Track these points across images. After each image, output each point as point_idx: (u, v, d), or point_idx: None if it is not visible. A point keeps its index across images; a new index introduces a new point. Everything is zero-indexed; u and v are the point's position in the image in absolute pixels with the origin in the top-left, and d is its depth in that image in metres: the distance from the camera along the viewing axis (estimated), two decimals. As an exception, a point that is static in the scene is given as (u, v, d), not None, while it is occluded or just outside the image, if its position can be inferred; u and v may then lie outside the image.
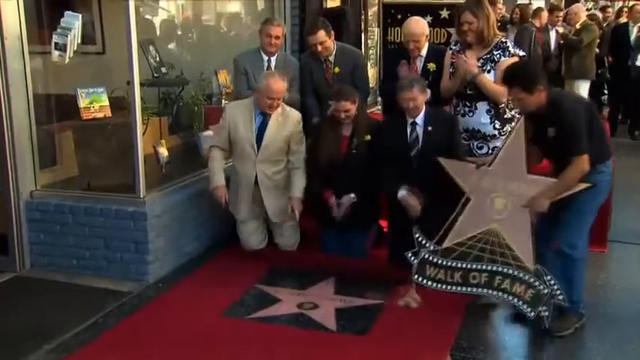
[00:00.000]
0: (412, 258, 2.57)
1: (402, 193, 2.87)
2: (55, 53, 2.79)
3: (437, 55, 3.06)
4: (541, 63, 4.61)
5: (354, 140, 3.00)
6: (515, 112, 2.84)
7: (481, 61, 2.82)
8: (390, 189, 2.90)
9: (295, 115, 3.10)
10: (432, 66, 3.06)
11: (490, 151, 2.90)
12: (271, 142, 3.05)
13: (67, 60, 2.84)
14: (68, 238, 3.09)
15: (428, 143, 2.84)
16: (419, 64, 3.08)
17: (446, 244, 2.52)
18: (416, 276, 2.57)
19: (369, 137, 3.01)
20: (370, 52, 4.54)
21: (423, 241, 2.55)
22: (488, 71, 2.82)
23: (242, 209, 3.16)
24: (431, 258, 2.57)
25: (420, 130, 2.85)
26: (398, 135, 2.87)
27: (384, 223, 3.29)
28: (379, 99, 3.99)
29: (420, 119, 2.83)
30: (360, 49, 4.11)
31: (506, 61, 2.75)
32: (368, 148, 3.00)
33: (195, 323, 2.63)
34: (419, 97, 2.78)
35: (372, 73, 3.40)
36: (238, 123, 3.03)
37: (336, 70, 3.25)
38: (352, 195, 3.07)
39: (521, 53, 2.84)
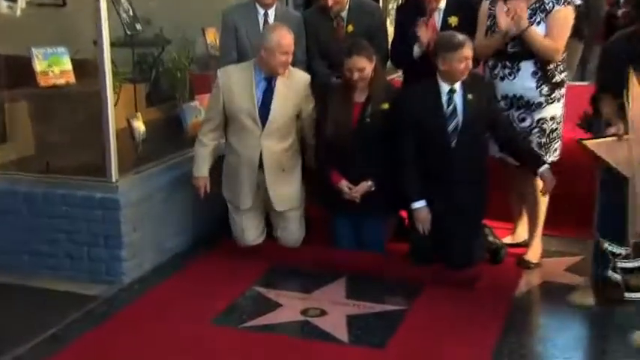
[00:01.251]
0: (612, 274, 2.37)
1: (421, 205, 2.86)
2: (3, 4, 2.69)
3: (460, 6, 2.96)
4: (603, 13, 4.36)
5: (368, 108, 2.95)
6: (565, 76, 2.81)
7: (529, 11, 2.72)
8: (410, 193, 2.88)
9: (303, 76, 3.04)
10: (453, 20, 2.94)
11: (534, 125, 2.84)
12: (280, 112, 2.98)
13: (18, 12, 2.73)
14: (22, 231, 3.03)
15: (469, 115, 2.76)
16: (437, 18, 2.97)
17: (631, 241, 2.37)
18: (626, 293, 2.38)
19: (387, 106, 2.94)
20: (390, 6, 4.52)
21: (614, 250, 2.37)
22: (538, 23, 2.72)
23: (245, 197, 3.12)
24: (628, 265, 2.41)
25: (459, 99, 2.76)
26: (430, 106, 2.78)
27: (404, 214, 3.28)
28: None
29: (458, 85, 2.76)
30: (378, 2, 4.06)
31: (561, 11, 2.67)
32: (386, 120, 2.95)
33: (179, 334, 2.61)
34: (470, 55, 2.68)
35: (392, 31, 3.22)
36: (235, 92, 2.96)
37: (349, 28, 3.16)
38: (369, 182, 3.05)
39: (578, 1, 2.78)
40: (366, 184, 3.06)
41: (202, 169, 3.12)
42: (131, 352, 2.50)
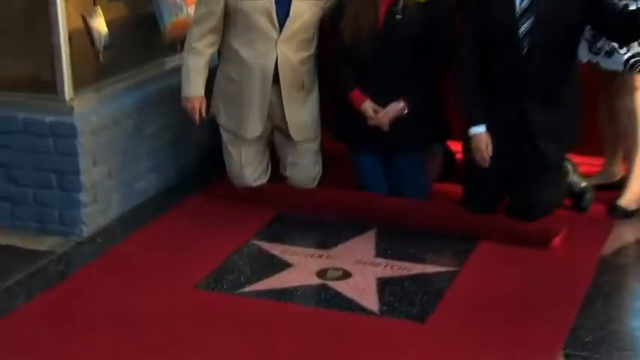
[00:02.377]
0: None
1: (480, 130, 2.84)
2: None
3: None
4: None
5: (400, 1, 2.94)
6: None
7: None
8: (469, 115, 2.87)
9: None
10: None
11: None
12: (303, 8, 3.01)
13: None
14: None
15: (549, 13, 2.76)
16: None
17: None
18: None
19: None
20: None
21: None
22: None
23: (253, 123, 3.14)
24: None
25: None
26: (495, 1, 2.81)
27: (455, 146, 3.24)
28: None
29: None
30: None
31: None
32: (424, 16, 2.95)
33: (152, 303, 2.61)
34: None
35: None
36: None
37: None
38: (401, 104, 3.03)
39: None
40: (397, 106, 3.03)
41: (197, 87, 3.11)
42: (88, 325, 2.50)
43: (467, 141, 2.95)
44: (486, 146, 2.87)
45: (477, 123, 2.88)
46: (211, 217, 3.15)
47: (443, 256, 2.88)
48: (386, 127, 3.04)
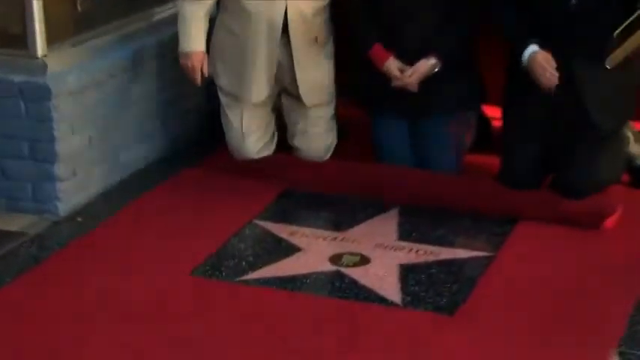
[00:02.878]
0: None
1: (534, 49, 2.80)
2: None
3: None
4: None
5: None
6: None
7: None
8: (516, 39, 2.84)
9: None
10: None
11: None
12: None
13: None
14: None
15: None
16: None
17: None
18: None
19: None
20: None
21: None
22: None
23: (258, 84, 3.14)
24: None
25: None
26: None
27: (492, 111, 3.28)
28: None
29: None
30: None
31: None
32: None
33: (141, 292, 2.61)
34: None
35: None
36: None
37: None
38: (432, 60, 3.03)
39: None
40: (428, 63, 3.03)
41: (197, 40, 3.08)
42: (65, 317, 2.49)
43: (507, 101, 2.91)
44: (548, 62, 2.83)
45: (527, 44, 2.84)
46: (208, 193, 3.16)
47: (476, 239, 2.88)
48: (414, 88, 3.05)
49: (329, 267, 2.73)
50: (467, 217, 2.98)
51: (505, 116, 3.05)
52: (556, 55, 2.84)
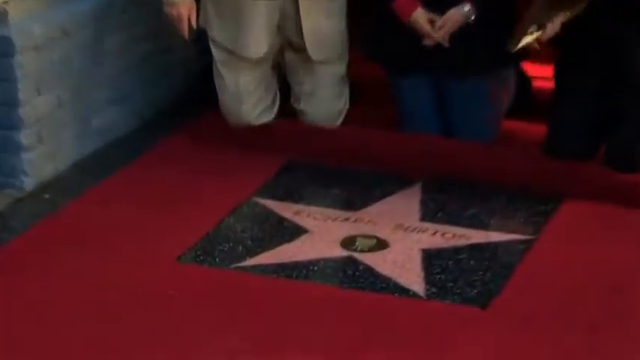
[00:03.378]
0: None
1: None
2: None
3: None
4: None
5: None
6: None
7: None
8: None
9: None
10: None
11: None
12: None
13: None
14: None
15: None
16: None
17: None
18: None
19: None
20: None
21: None
22: None
23: (257, 36, 3.14)
24: None
25: None
26: None
27: (533, 69, 3.31)
28: None
29: None
30: None
31: None
32: None
33: (121, 277, 2.61)
34: None
35: None
36: None
37: None
38: (466, 8, 3.04)
39: None
40: (461, 12, 3.03)
41: None
42: (30, 309, 2.49)
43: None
44: None
45: None
46: (198, 166, 3.17)
47: (514, 220, 2.89)
48: (445, 42, 3.06)
49: (340, 252, 2.73)
50: (503, 194, 2.98)
51: (557, 74, 3.05)
52: (604, 14, 2.85)
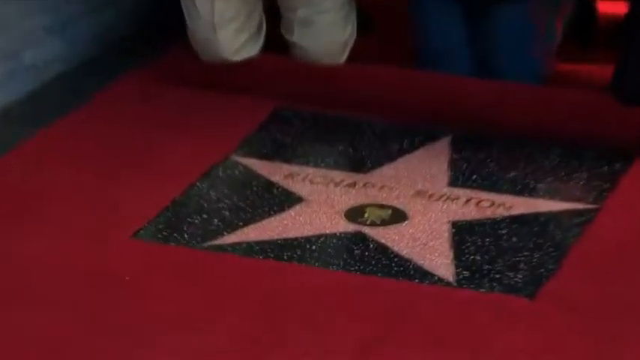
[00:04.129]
0: None
1: None
2: None
3: None
4: None
5: None
6: None
7: None
8: None
9: None
10: None
11: None
12: None
13: None
14: None
15: None
16: None
17: None
18: None
19: None
20: None
21: None
22: None
23: None
24: None
25: None
26: None
27: None
28: None
29: None
30: None
31: None
32: None
33: (62, 259, 2.62)
34: None
35: None
36: None
37: None
38: None
39: None
40: None
41: None
42: None
43: None
44: None
45: None
46: (159, 115, 3.23)
47: (569, 184, 2.92)
48: None
49: (345, 226, 2.74)
50: (555, 151, 3.02)
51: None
52: None
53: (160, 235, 2.72)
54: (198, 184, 2.91)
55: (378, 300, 2.50)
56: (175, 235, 2.72)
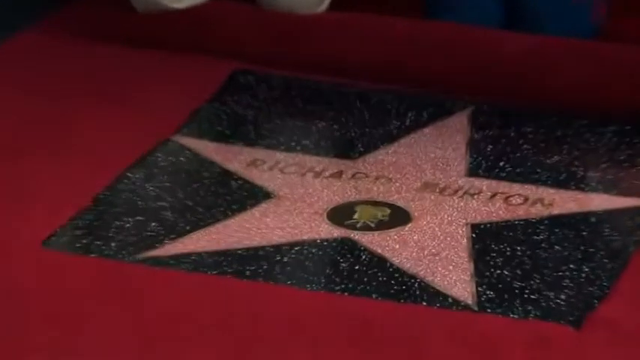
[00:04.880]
0: None
1: None
2: None
3: None
4: None
5: None
6: None
7: None
8: None
9: None
10: None
11: None
12: None
13: None
14: None
15: None
16: None
17: None
18: None
19: None
20: None
21: None
22: None
23: None
24: None
25: None
26: None
27: None
28: None
29: None
30: None
31: None
32: None
33: None
34: None
35: None
36: None
37: None
38: None
39: None
40: None
41: None
42: None
43: None
44: None
45: None
46: (75, 79, 3.23)
47: (630, 174, 2.90)
48: None
49: (328, 230, 2.67)
50: (612, 128, 3.00)
51: None
52: None
53: (77, 244, 2.69)
54: (129, 174, 2.91)
55: (373, 330, 2.50)
56: (98, 243, 2.69)
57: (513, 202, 2.84)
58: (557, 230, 2.73)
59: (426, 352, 2.45)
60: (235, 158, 2.98)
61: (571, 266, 2.63)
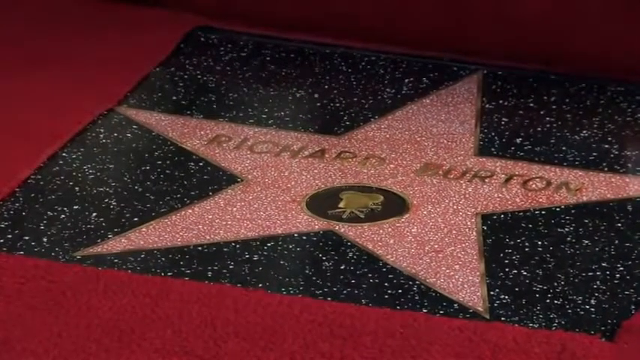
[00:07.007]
0: None
1: None
2: None
3: None
4: None
5: None
6: None
7: None
8: None
9: None
10: None
11: None
12: None
13: None
14: None
15: None
16: None
17: None
18: None
19: None
20: None
21: None
22: None
23: None
24: None
25: None
26: None
27: None
28: None
29: None
30: None
31: None
32: None
33: None
34: None
35: None
36: None
37: None
38: None
39: None
40: None
41: None
42: None
43: None
44: None
45: None
46: (5, 30, 3.35)
47: None
48: None
49: (308, 222, 2.73)
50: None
51: None
52: None
53: (0, 240, 2.70)
54: (64, 153, 2.91)
55: (363, 342, 2.49)
56: (27, 238, 2.70)
57: (533, 186, 2.85)
58: (586, 221, 2.74)
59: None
60: (194, 134, 3.00)
61: (603, 265, 2.63)
